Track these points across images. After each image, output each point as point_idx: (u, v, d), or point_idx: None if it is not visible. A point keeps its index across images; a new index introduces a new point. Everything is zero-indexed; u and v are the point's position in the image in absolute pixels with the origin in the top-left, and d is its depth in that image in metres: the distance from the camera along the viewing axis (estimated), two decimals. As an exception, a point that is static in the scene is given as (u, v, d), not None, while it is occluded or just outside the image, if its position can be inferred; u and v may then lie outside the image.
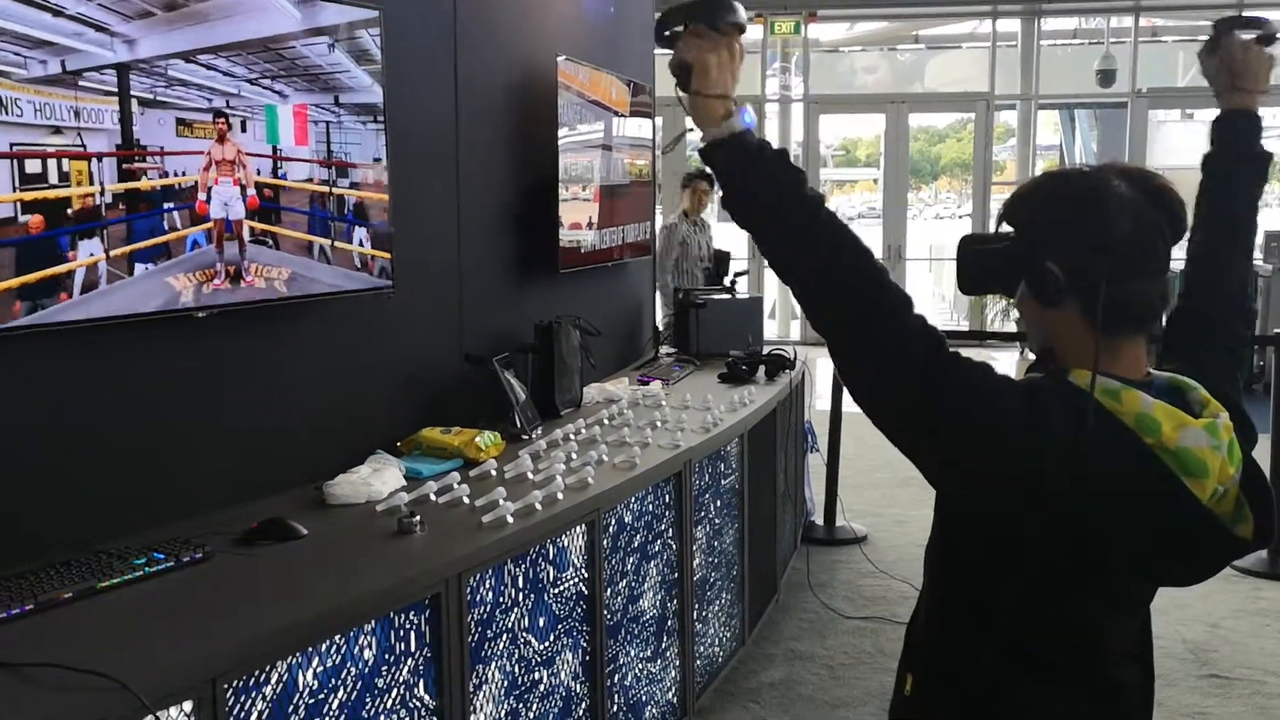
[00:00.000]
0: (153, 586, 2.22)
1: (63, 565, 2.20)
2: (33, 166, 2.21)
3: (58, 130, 2.24)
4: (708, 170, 7.38)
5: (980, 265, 1.61)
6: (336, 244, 3.07)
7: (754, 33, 13.42)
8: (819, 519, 5.91)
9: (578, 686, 2.99)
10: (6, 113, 2.13)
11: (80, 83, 2.29)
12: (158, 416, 2.62)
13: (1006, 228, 1.58)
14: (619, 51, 5.16)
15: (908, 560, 5.32)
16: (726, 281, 7.47)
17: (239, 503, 2.77)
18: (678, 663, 3.62)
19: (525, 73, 4.19)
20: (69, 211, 2.29)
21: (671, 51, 1.51)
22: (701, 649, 3.84)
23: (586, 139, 4.55)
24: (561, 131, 4.22)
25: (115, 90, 2.36)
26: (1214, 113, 1.89)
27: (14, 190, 2.17)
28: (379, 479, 2.91)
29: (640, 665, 3.36)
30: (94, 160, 2.34)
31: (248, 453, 2.87)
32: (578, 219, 4.46)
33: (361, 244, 3.16)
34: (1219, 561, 1.50)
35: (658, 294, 6.69)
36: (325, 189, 3.02)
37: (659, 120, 5.99)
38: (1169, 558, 1.46)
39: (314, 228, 2.99)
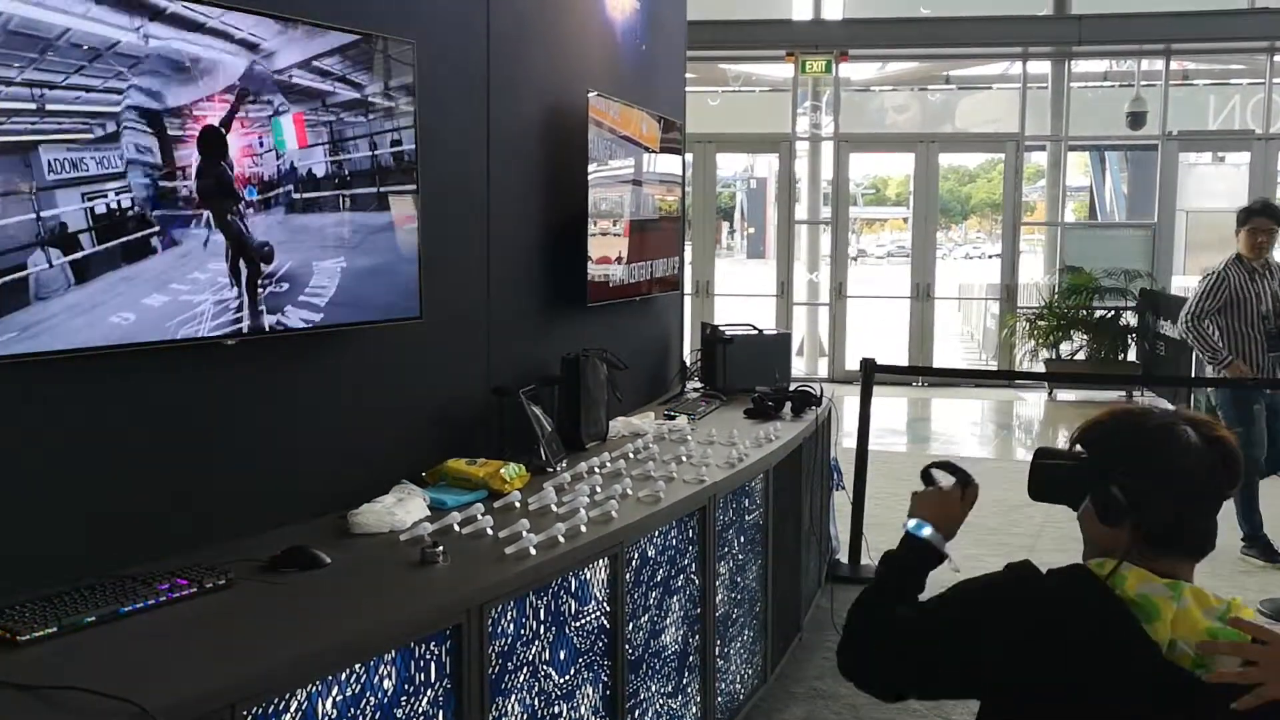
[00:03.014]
0: (175, 612, 2.23)
1: (87, 589, 2.22)
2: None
3: None
4: (1268, 204, 6.36)
5: (1050, 477, 1.85)
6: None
7: (785, 71, 13.51)
8: (843, 557, 5.87)
9: (598, 722, 2.97)
10: None
11: None
12: (183, 442, 2.63)
13: (1078, 449, 1.80)
14: (650, 87, 5.20)
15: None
16: None
17: (263, 530, 2.78)
18: (699, 699, 3.59)
19: (556, 108, 4.22)
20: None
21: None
22: (723, 686, 3.81)
23: (617, 174, 4.57)
24: (591, 167, 4.24)
25: None
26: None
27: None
28: (403, 509, 2.92)
29: (661, 701, 3.34)
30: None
31: (273, 480, 2.88)
32: (607, 253, 4.48)
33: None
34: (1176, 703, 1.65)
35: (1185, 339, 6.05)
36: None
37: (689, 157, 5.99)
38: (1126, 694, 1.66)
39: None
